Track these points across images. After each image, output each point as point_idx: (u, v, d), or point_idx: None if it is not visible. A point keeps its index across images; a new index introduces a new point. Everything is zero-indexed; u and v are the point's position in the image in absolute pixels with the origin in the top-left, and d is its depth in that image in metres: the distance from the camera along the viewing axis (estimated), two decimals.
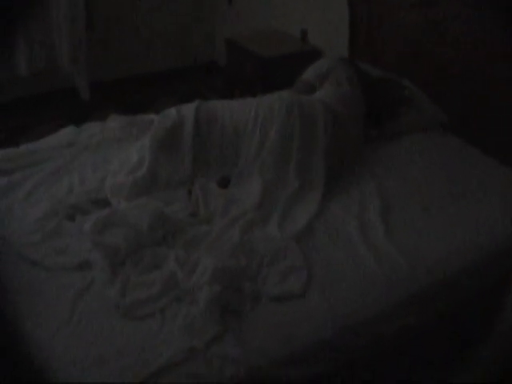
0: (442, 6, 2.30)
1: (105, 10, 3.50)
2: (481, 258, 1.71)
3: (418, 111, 2.32)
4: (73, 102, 3.41)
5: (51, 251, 1.60)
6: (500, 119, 2.18)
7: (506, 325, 1.79)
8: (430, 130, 2.31)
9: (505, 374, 1.82)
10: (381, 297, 1.54)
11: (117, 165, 1.98)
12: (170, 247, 1.64)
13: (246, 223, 1.73)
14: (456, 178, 2.01)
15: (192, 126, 1.95)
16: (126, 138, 2.20)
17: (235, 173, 1.93)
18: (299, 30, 3.21)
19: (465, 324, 1.75)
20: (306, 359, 1.39)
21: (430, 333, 1.66)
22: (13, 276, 1.53)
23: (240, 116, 1.97)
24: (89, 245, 1.60)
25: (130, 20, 3.64)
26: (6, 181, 1.91)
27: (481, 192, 1.94)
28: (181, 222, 1.73)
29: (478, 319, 1.80)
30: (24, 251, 1.59)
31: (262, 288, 1.52)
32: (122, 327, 1.40)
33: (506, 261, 1.77)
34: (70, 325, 1.40)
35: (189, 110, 2.00)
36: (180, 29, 3.84)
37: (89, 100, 3.46)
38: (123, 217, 1.69)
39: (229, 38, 3.28)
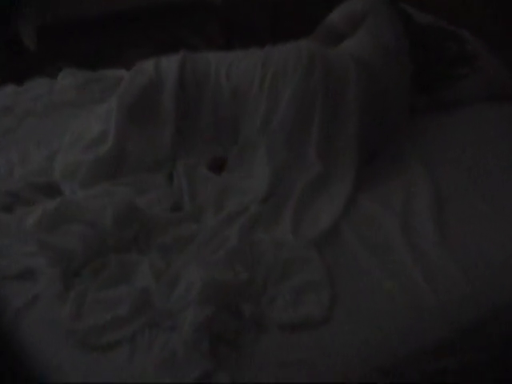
0: None
1: None
2: None
3: (483, 74, 2.32)
4: (12, 53, 3.42)
5: None
6: None
7: None
8: (498, 99, 2.31)
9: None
10: (430, 327, 1.53)
11: (71, 138, 1.98)
12: (143, 252, 1.66)
13: (247, 222, 1.73)
14: None
15: (174, 86, 1.95)
16: (84, 101, 2.21)
17: (233, 152, 1.93)
18: None
19: None
20: None
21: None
22: None
23: (241, 74, 1.97)
24: (32, 247, 1.61)
25: None
26: None
27: None
28: (158, 219, 1.73)
29: None
30: None
31: (269, 311, 1.52)
32: (76, 360, 1.40)
33: None
34: (6, 355, 1.41)
35: (170, 64, 1.99)
36: None
37: (35, 50, 3.46)
38: (79, 210, 1.69)
39: None
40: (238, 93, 1.96)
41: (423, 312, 1.55)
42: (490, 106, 2.29)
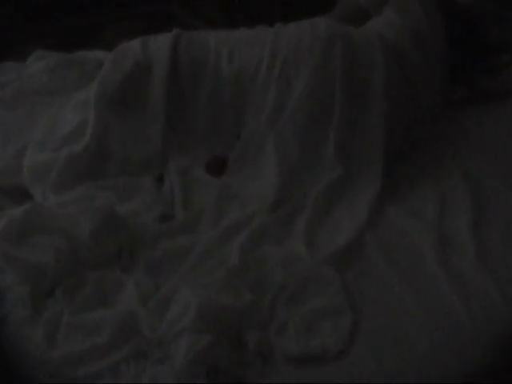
0: None
1: None
2: None
3: None
4: None
5: None
6: None
7: None
8: None
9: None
10: (465, 351, 1.51)
11: (42, 131, 1.98)
12: (128, 270, 1.66)
13: (252, 234, 1.72)
14: None
15: (166, 70, 1.95)
16: (58, 88, 2.20)
17: (236, 150, 1.93)
18: None
19: None
20: None
21: None
22: None
23: (246, 57, 1.96)
24: None
25: None
26: None
27: None
28: (145, 230, 1.73)
29: None
30: None
31: (277, 341, 1.51)
32: None
33: None
34: None
35: (161, 44, 1.99)
36: None
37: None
38: (51, 218, 1.68)
39: None
40: (242, 79, 1.95)
41: (458, 337, 1.53)
42: None
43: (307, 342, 1.50)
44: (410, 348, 1.51)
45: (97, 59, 2.29)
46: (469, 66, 2.28)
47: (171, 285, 1.57)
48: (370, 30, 2.11)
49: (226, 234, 1.73)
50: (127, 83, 1.96)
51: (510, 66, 2.32)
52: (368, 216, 1.82)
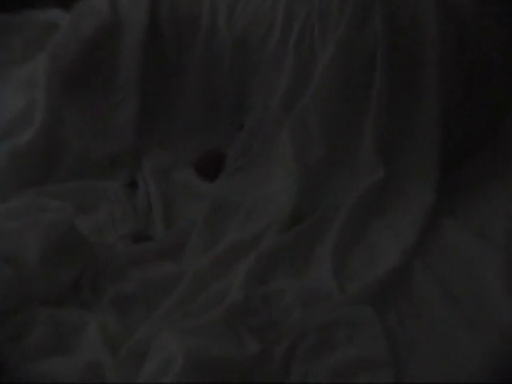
0: None
1: None
2: None
3: None
4: None
5: None
6: None
7: None
8: None
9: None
10: None
11: None
12: (90, 307, 1.66)
13: (260, 259, 1.72)
14: None
15: (142, 35, 1.98)
16: None
17: (237, 144, 1.95)
18: None
19: None
20: None
21: None
22: None
23: (252, 16, 1.98)
24: None
25: None
26: None
27: None
28: (112, 254, 1.74)
29: None
30: None
31: None
32: None
33: None
34: None
35: None
36: None
37: None
38: None
39: None
40: (248, 45, 1.96)
41: None
42: None
43: None
44: None
45: (47, 22, 2.29)
46: None
47: (148, 327, 1.57)
48: None
49: (223, 259, 1.72)
50: (88, 54, 1.98)
51: None
52: (418, 236, 1.81)
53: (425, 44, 1.98)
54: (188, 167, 1.94)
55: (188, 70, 1.99)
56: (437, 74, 1.96)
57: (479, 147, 2.07)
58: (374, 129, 1.92)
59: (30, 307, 1.62)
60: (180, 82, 1.99)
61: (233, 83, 1.98)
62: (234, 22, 1.98)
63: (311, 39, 1.94)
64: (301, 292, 1.68)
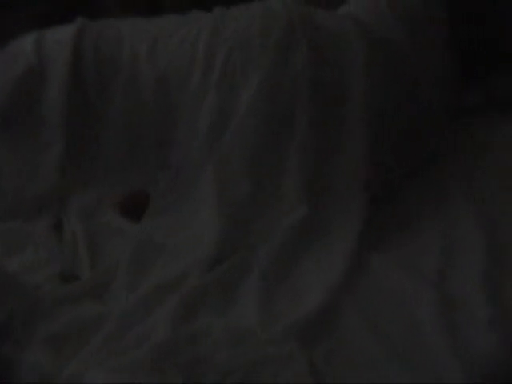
0: None
1: None
2: None
3: None
4: None
5: None
6: None
7: None
8: None
9: None
10: None
11: None
12: (20, 346, 1.64)
13: (185, 299, 1.71)
14: None
15: (65, 77, 1.99)
16: None
17: (161, 183, 1.96)
18: None
19: None
20: None
21: None
22: None
23: (174, 55, 1.98)
24: None
25: None
26: None
27: None
28: (40, 294, 1.72)
29: None
30: None
31: None
32: None
33: None
34: None
35: (59, 42, 2.02)
36: None
37: None
38: None
39: None
40: (169, 85, 1.97)
41: None
42: None
43: None
44: None
45: None
46: (484, 62, 2.31)
47: (77, 366, 1.56)
48: (343, 13, 2.12)
49: (149, 299, 1.71)
50: (17, 96, 1.98)
51: None
52: (344, 273, 1.81)
53: (351, 73, 1.99)
54: (113, 207, 1.94)
55: (111, 110, 2.01)
56: (363, 101, 1.98)
57: (411, 175, 2.08)
58: (299, 163, 1.93)
59: None
60: (103, 121, 2.01)
61: (155, 123, 1.99)
62: (154, 63, 1.99)
63: (233, 75, 1.95)
64: (226, 330, 1.67)
